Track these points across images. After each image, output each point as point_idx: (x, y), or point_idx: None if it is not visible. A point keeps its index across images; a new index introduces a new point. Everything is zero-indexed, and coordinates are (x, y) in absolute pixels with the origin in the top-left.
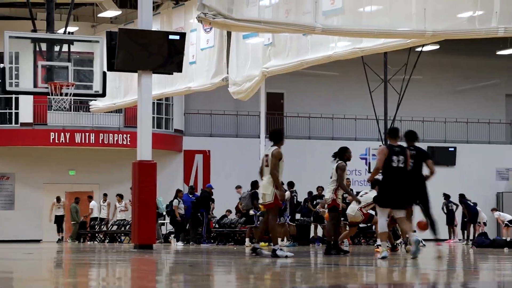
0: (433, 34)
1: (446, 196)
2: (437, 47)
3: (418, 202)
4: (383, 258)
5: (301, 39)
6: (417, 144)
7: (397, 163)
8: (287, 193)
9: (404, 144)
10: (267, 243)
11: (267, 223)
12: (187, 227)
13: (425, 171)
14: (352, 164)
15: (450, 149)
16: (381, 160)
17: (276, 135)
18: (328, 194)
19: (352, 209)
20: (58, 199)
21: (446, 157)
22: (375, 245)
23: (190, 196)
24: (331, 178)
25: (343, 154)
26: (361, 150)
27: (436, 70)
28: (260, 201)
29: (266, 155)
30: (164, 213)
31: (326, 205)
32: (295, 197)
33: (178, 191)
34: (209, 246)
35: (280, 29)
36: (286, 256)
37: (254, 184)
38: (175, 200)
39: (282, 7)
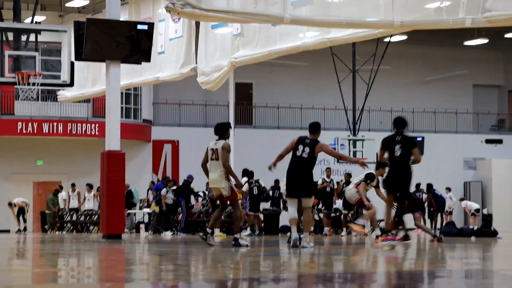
0: (401, 24)
1: (417, 185)
2: (405, 37)
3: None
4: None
5: (269, 29)
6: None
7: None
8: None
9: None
10: (225, 234)
11: (220, 214)
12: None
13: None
14: (321, 154)
15: (418, 139)
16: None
17: (222, 129)
18: None
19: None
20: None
21: None
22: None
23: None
24: None
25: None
26: (329, 140)
27: (404, 60)
28: (213, 194)
29: (214, 149)
30: (138, 203)
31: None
32: (254, 188)
33: (168, 180)
34: (184, 235)
35: (249, 19)
36: (247, 245)
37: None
38: (164, 189)
39: None
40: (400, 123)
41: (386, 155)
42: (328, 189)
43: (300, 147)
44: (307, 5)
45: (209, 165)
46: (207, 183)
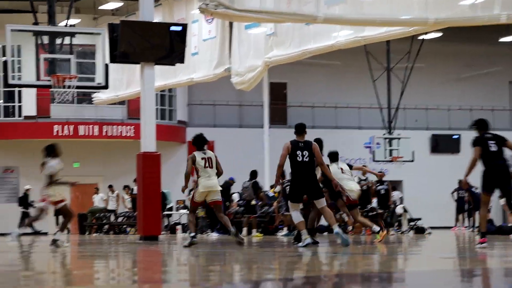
0: (435, 22)
1: (460, 183)
2: (439, 35)
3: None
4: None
5: (303, 29)
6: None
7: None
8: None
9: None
10: (262, 234)
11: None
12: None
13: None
14: (357, 153)
15: (454, 136)
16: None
17: (202, 140)
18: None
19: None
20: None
21: (450, 145)
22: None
23: None
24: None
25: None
26: (365, 139)
27: (439, 58)
28: (210, 198)
29: (207, 158)
30: (172, 204)
31: None
32: (287, 187)
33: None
34: (220, 236)
35: (282, 19)
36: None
37: (254, 174)
38: None
39: None
40: (485, 125)
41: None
42: (364, 187)
43: (299, 153)
44: (340, 4)
45: (203, 174)
46: (243, 185)
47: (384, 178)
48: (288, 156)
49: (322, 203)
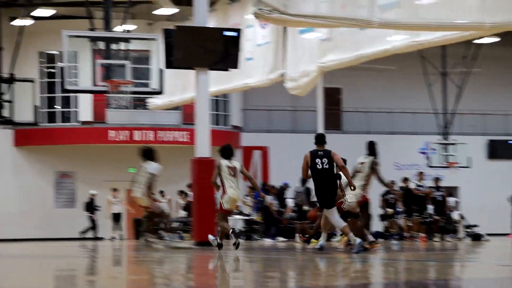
0: (492, 26)
1: None
2: (497, 39)
3: None
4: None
5: (358, 33)
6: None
7: None
8: None
9: None
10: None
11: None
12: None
13: None
14: (411, 159)
15: (510, 142)
16: None
17: (230, 151)
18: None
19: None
20: (114, 191)
21: (507, 151)
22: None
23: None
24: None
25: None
26: (420, 144)
27: (496, 62)
28: (227, 206)
29: (232, 167)
30: None
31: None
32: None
33: (271, 187)
34: (272, 241)
35: (337, 24)
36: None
37: (305, 180)
38: (269, 197)
39: (338, 1)
40: None
41: None
42: (421, 193)
43: (318, 161)
44: (396, 8)
45: (228, 182)
46: (295, 190)
47: (440, 184)
48: (309, 166)
49: (333, 212)
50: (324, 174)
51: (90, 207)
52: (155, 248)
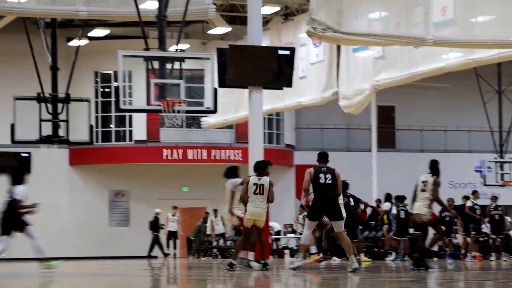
0: None
1: None
2: None
3: None
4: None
5: (412, 51)
6: None
7: None
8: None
9: None
10: (370, 259)
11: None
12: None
13: None
14: (466, 177)
15: None
16: None
17: (261, 167)
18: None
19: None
20: (174, 209)
21: None
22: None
23: None
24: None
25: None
26: (475, 162)
27: None
28: (246, 224)
29: (259, 184)
30: (279, 228)
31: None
32: (401, 211)
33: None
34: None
35: (391, 42)
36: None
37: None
38: None
39: (392, 19)
40: None
41: None
42: (478, 212)
43: (321, 176)
44: (450, 26)
45: (250, 199)
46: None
47: (497, 203)
48: (311, 181)
49: (340, 226)
50: (326, 188)
51: (155, 225)
52: (249, 267)
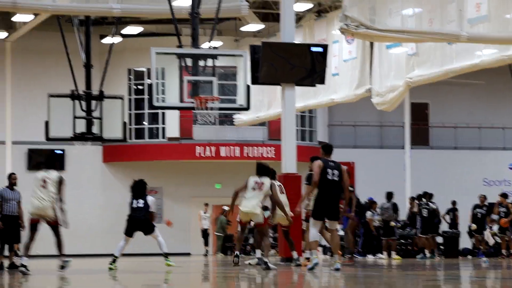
0: None
1: None
2: None
3: None
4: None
5: (445, 48)
6: None
7: None
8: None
9: None
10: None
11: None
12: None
13: None
14: (501, 174)
15: None
16: None
17: (264, 170)
18: None
19: None
20: (206, 206)
21: None
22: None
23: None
24: None
25: None
26: (510, 159)
27: None
28: (255, 220)
29: (260, 183)
30: None
31: None
32: (424, 210)
33: (372, 202)
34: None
35: (424, 39)
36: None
37: (391, 195)
38: (369, 212)
39: (426, 16)
40: None
41: None
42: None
43: (329, 171)
44: (484, 22)
45: (247, 195)
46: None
47: None
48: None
49: (335, 225)
50: (333, 185)
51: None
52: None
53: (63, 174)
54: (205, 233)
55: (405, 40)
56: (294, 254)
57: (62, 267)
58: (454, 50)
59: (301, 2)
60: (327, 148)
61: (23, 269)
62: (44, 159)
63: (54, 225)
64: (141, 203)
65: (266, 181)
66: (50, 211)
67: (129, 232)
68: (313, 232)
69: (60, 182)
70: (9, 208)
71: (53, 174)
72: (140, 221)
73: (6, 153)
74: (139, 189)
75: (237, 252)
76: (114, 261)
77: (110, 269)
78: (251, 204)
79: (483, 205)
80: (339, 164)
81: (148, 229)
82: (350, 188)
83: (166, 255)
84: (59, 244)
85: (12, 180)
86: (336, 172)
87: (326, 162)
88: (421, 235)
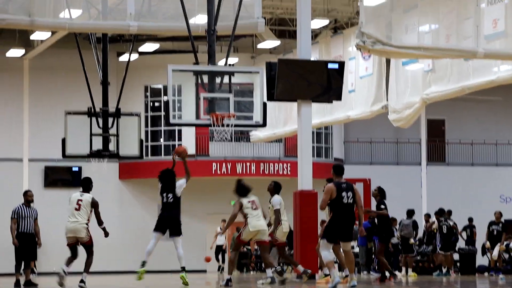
0: None
1: None
2: None
3: None
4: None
5: (462, 64)
6: None
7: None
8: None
9: None
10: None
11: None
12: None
13: None
14: None
15: None
16: None
17: (244, 190)
18: None
19: None
20: (223, 222)
21: None
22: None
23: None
24: None
25: None
26: None
27: None
28: (258, 238)
29: (253, 201)
30: None
31: None
32: (444, 226)
33: (392, 219)
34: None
35: (441, 55)
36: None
37: (411, 213)
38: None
39: (443, 32)
40: None
41: None
42: None
43: (344, 194)
44: (502, 38)
45: (252, 214)
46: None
47: None
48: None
49: (349, 246)
50: (349, 209)
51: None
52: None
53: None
54: (219, 250)
55: (422, 57)
56: (301, 268)
57: (82, 282)
58: (470, 66)
59: (317, 18)
60: (338, 170)
61: (82, 284)
62: (80, 182)
63: (88, 245)
64: (170, 197)
65: (255, 198)
66: (83, 232)
67: (158, 228)
68: (325, 253)
69: (93, 204)
70: (25, 226)
71: (86, 196)
72: (171, 219)
73: (23, 170)
74: (167, 181)
75: (230, 277)
76: (143, 265)
77: (137, 272)
78: (261, 223)
79: (499, 222)
80: (351, 185)
81: (176, 231)
82: (382, 206)
83: (183, 269)
84: (88, 263)
85: (28, 197)
86: (350, 194)
87: (339, 185)
88: (439, 252)
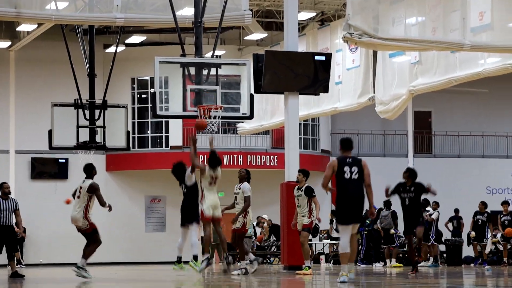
0: None
1: None
2: None
3: None
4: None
5: (449, 57)
6: None
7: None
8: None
9: None
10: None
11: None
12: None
13: None
14: (504, 183)
15: None
16: None
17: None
18: None
19: None
20: None
21: None
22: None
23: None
24: None
25: None
26: None
27: None
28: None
29: (216, 177)
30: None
31: None
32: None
33: (380, 209)
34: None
35: (427, 47)
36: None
37: (389, 203)
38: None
39: (429, 25)
40: None
41: None
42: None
43: (347, 169)
44: (488, 31)
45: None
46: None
47: None
48: (334, 174)
49: (356, 228)
50: (353, 185)
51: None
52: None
53: (66, 182)
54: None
55: (408, 49)
56: (251, 256)
57: (78, 268)
58: (457, 58)
59: (304, 11)
60: (345, 144)
61: (75, 268)
62: (83, 169)
63: (88, 233)
64: (184, 188)
65: (219, 175)
66: (80, 221)
67: (181, 223)
68: (345, 241)
69: (90, 189)
70: (2, 219)
71: (86, 183)
72: (183, 208)
73: (10, 162)
74: (178, 173)
75: (208, 255)
76: (179, 261)
77: (179, 268)
78: (217, 199)
79: (483, 212)
80: (359, 160)
81: (188, 219)
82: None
83: (194, 257)
84: (87, 250)
85: (4, 189)
86: (354, 168)
87: (342, 159)
88: (434, 243)
